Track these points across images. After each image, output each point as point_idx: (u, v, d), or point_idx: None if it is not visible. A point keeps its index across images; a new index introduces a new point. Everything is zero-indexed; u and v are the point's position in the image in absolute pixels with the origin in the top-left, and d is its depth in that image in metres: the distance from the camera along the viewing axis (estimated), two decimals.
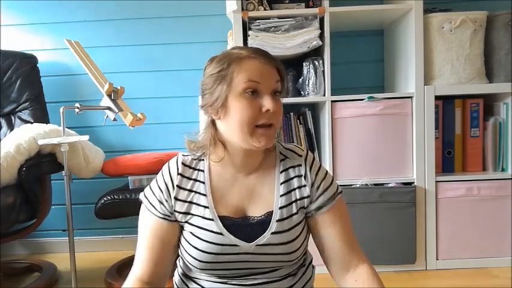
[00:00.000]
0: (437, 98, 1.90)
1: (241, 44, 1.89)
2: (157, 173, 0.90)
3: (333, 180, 0.91)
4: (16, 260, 2.26)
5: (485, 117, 1.96)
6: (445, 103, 1.96)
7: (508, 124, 1.92)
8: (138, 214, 0.89)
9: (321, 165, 0.92)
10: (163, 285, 0.89)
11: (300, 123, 2.01)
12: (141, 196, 0.89)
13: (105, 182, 2.22)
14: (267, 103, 0.79)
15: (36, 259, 2.24)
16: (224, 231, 0.82)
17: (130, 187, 1.89)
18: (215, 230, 0.82)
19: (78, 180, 1.91)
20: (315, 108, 2.15)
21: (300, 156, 0.91)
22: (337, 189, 0.91)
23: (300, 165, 0.89)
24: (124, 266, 2.04)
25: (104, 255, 2.33)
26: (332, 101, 1.91)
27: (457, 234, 1.92)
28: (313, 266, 0.96)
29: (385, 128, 1.91)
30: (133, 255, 0.88)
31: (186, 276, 0.90)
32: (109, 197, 1.81)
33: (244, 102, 0.79)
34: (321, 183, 0.88)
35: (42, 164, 1.77)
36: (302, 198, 0.87)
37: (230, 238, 0.82)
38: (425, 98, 1.89)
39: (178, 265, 0.95)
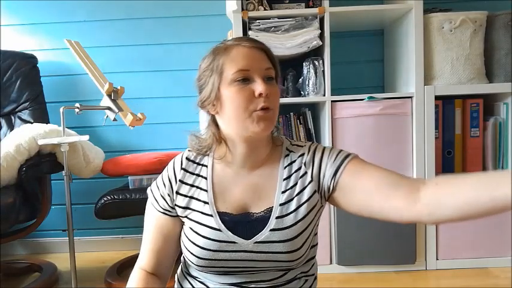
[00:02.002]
0: (437, 98, 1.90)
1: None
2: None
3: (340, 151, 0.85)
4: (16, 260, 2.26)
5: (485, 117, 1.96)
6: (445, 103, 1.96)
7: (508, 124, 1.91)
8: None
9: (324, 147, 0.87)
10: (167, 276, 0.92)
11: (300, 123, 2.01)
12: (148, 190, 0.91)
13: (105, 182, 2.22)
14: (259, 86, 0.78)
15: (36, 259, 2.24)
16: (222, 227, 0.81)
17: (130, 187, 1.89)
18: (213, 226, 0.82)
19: (78, 180, 1.91)
20: (315, 108, 2.15)
21: (303, 146, 0.88)
22: (348, 155, 0.83)
23: (303, 154, 0.86)
24: (124, 266, 2.04)
25: (104, 255, 2.33)
26: (332, 101, 1.90)
27: (457, 234, 1.92)
28: (315, 277, 0.93)
29: (385, 128, 1.91)
30: (134, 255, 0.90)
31: (190, 275, 0.90)
32: (109, 197, 1.81)
33: (235, 89, 0.78)
34: (327, 158, 0.83)
35: (42, 164, 1.77)
36: (304, 188, 0.83)
37: (228, 235, 0.81)
38: (425, 98, 1.89)
39: (182, 263, 0.95)
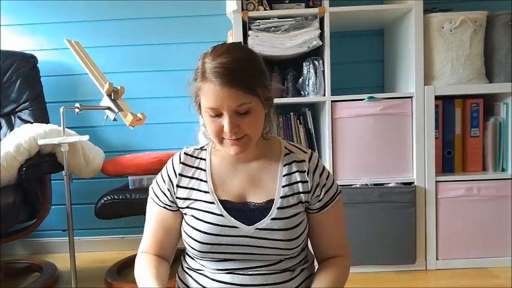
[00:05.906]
0: (437, 98, 1.90)
1: None
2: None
3: (334, 180, 0.94)
4: (16, 260, 2.26)
5: (485, 117, 1.96)
6: (445, 103, 1.96)
7: (508, 124, 1.92)
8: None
9: (324, 166, 0.95)
10: (171, 258, 0.97)
11: (300, 123, 2.01)
12: (150, 187, 0.95)
13: (105, 182, 2.22)
14: (226, 125, 0.80)
15: (36, 259, 2.24)
16: (224, 213, 0.86)
17: (130, 187, 1.89)
18: (216, 212, 0.86)
19: (78, 180, 1.91)
20: (315, 108, 2.15)
21: (305, 153, 0.93)
22: (337, 189, 0.94)
23: (304, 161, 0.91)
24: (124, 266, 2.04)
25: (104, 255, 2.33)
26: (332, 101, 1.90)
27: (457, 234, 1.92)
28: (313, 266, 0.97)
29: (385, 128, 1.91)
30: (134, 255, 0.91)
31: (190, 269, 0.93)
32: (109, 197, 1.81)
33: (208, 119, 0.83)
34: (325, 183, 0.91)
35: (42, 164, 1.77)
36: (303, 192, 0.89)
37: (230, 220, 0.85)
38: (425, 98, 1.89)
39: (182, 260, 0.97)
